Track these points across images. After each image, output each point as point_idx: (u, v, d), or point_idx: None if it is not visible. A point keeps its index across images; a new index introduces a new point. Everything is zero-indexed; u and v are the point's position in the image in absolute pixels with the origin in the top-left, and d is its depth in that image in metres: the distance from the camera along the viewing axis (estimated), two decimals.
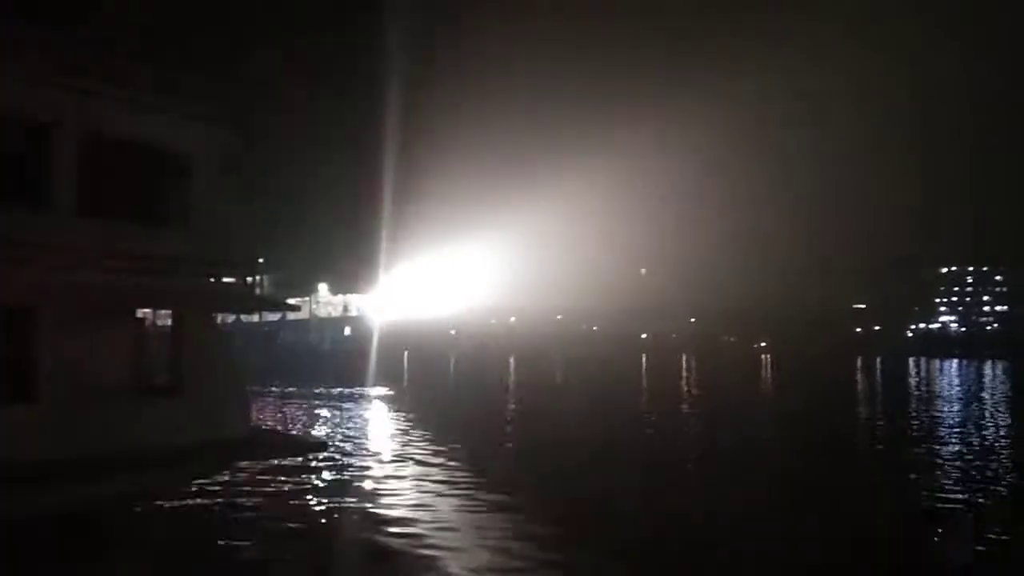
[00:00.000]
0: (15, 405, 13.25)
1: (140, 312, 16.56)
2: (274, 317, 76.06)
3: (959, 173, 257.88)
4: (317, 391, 48.76)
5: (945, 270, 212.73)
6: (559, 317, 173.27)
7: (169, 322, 16.18)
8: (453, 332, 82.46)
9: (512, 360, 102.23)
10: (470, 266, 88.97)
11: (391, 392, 50.10)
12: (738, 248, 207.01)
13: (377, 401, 44.12)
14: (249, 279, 17.48)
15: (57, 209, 13.84)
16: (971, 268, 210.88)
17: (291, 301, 75.28)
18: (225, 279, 16.78)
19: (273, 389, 49.15)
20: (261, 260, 78.82)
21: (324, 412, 37.14)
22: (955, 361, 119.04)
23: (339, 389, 50.22)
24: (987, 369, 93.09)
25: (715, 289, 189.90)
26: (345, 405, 41.02)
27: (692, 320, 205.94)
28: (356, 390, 49.91)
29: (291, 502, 17.10)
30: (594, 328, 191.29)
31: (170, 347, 16.50)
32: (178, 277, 15.56)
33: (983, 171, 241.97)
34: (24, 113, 13.69)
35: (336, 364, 65.93)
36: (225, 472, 17.61)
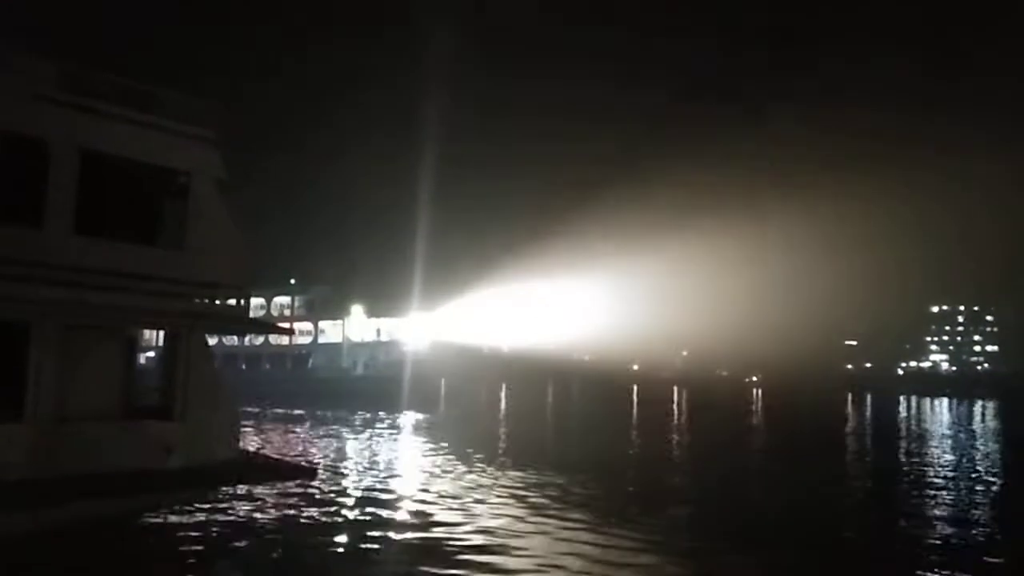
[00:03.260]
0: (3, 424, 13.11)
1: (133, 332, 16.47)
2: (306, 340, 75.71)
3: (952, 212, 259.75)
4: (340, 415, 48.54)
5: (936, 309, 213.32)
6: (551, 347, 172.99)
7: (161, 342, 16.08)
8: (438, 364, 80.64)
9: (504, 387, 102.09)
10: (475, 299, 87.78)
11: (415, 417, 49.98)
12: (730, 282, 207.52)
13: (396, 427, 43.70)
14: (242, 301, 17.37)
15: (52, 227, 13.79)
16: (962, 307, 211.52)
17: (324, 323, 75.46)
18: (218, 300, 16.71)
19: (289, 413, 48.96)
20: (292, 281, 78.67)
21: (335, 437, 36.85)
22: (945, 400, 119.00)
23: (364, 414, 49.99)
24: (977, 409, 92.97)
25: (707, 323, 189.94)
26: (362, 430, 40.69)
27: (684, 353, 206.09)
28: (380, 415, 49.67)
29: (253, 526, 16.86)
30: (585, 358, 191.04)
31: (161, 368, 16.39)
32: (171, 297, 15.48)
33: (975, 210, 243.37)
34: (22, 130, 13.68)
35: (366, 389, 65.35)
36: (206, 497, 17.35)
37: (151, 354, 32.52)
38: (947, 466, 32.33)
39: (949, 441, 45.47)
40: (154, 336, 29.69)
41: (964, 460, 35.06)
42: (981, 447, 42.80)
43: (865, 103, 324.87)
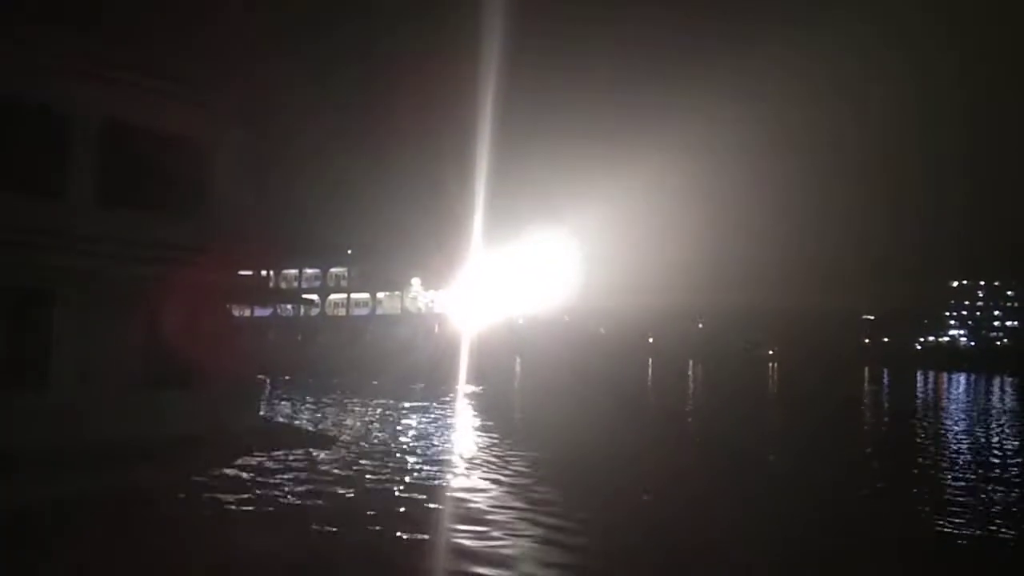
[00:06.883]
0: (25, 392, 13.25)
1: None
2: (363, 311, 75.57)
3: (972, 185, 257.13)
4: (389, 387, 48.15)
5: (956, 283, 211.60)
6: (566, 318, 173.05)
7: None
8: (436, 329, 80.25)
9: (518, 359, 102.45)
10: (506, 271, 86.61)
11: (467, 389, 49.87)
12: (747, 254, 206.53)
13: (445, 399, 43.30)
14: (264, 272, 17.40)
15: (74, 197, 13.84)
16: (982, 282, 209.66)
17: (381, 295, 75.22)
18: (240, 271, 16.77)
19: (338, 383, 48.61)
20: (349, 252, 78.10)
21: (376, 407, 36.62)
22: (963, 376, 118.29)
23: (415, 385, 49.70)
24: (996, 384, 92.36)
25: (723, 294, 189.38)
26: (407, 401, 40.25)
27: (700, 325, 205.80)
28: (431, 387, 49.50)
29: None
30: (601, 331, 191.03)
31: (183, 338, 16.47)
32: (191, 267, 15.53)
33: (996, 184, 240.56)
34: (43, 101, 13.67)
35: (421, 361, 64.94)
36: (225, 464, 17.49)
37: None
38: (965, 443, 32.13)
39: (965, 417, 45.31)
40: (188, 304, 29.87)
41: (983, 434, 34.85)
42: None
43: None
